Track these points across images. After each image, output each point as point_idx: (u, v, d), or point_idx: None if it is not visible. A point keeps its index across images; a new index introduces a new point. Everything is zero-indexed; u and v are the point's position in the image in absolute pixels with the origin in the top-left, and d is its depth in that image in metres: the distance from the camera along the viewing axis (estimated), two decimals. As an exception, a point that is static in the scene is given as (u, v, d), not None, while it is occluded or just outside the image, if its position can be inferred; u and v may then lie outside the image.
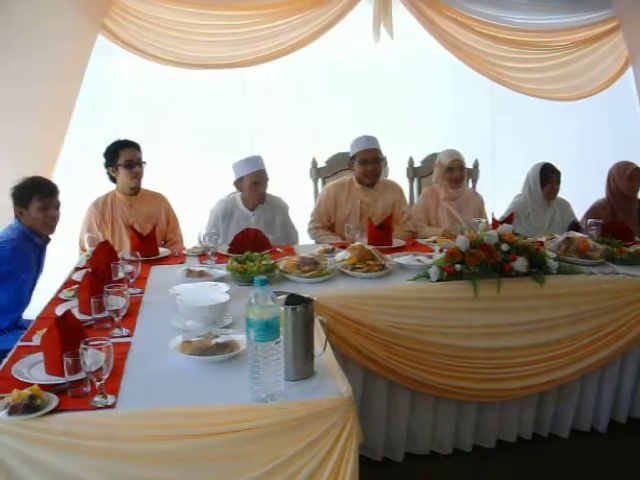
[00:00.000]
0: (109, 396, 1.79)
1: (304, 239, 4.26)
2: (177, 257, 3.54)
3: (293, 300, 1.95)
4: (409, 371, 2.91)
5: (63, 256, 3.71)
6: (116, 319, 2.31)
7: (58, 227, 3.34)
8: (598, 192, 4.60)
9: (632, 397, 3.37)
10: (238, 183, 3.98)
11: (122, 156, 3.79)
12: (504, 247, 2.95)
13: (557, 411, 3.30)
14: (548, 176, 4.30)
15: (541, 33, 5.27)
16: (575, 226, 4.25)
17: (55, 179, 4.26)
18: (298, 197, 4.51)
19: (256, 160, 3.96)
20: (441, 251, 3.10)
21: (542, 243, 3.44)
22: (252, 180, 3.91)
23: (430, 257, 3.26)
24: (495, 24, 5.13)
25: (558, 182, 4.32)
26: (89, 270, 2.72)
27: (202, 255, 3.48)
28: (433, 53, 5.08)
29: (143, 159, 3.87)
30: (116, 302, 2.28)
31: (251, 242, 3.45)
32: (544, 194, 4.33)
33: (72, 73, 4.35)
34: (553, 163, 4.34)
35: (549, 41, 5.32)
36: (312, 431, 1.75)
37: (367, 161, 4.12)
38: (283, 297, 1.96)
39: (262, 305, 1.71)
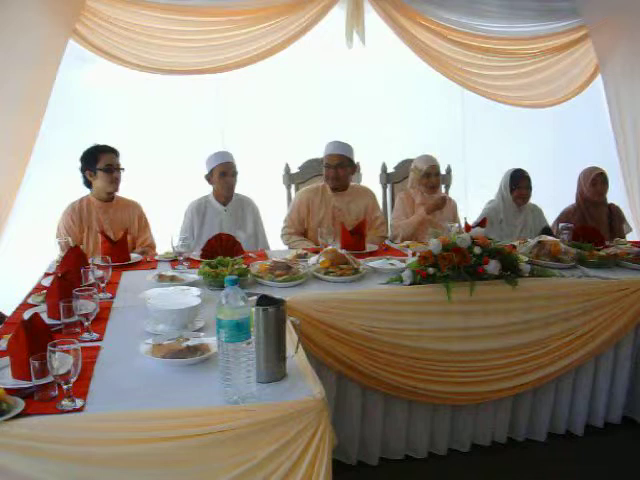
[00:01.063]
0: (77, 400, 1.75)
1: (277, 244, 4.24)
2: (149, 263, 3.51)
3: (265, 301, 1.94)
4: (383, 375, 2.90)
5: (35, 261, 3.65)
6: (86, 323, 2.28)
7: (31, 232, 3.27)
8: (570, 198, 4.64)
9: (607, 400, 3.38)
10: (209, 177, 4.10)
11: (102, 160, 3.78)
12: (477, 250, 2.95)
13: (532, 414, 3.31)
14: (518, 181, 4.34)
15: (511, 41, 5.32)
16: (547, 232, 4.27)
17: (25, 184, 4.24)
18: (271, 203, 4.51)
19: (225, 153, 4.15)
20: (414, 255, 3.10)
21: (514, 247, 3.45)
22: (220, 170, 4.05)
23: (403, 261, 3.26)
24: (466, 31, 5.16)
25: (528, 187, 4.35)
26: (58, 275, 2.68)
27: (174, 261, 3.45)
28: (405, 59, 5.09)
29: (121, 165, 3.85)
30: (85, 306, 2.26)
31: (223, 247, 3.44)
32: (513, 199, 4.36)
33: (43, 79, 4.29)
34: (525, 169, 4.37)
35: (519, 49, 5.37)
36: (284, 433, 1.73)
37: (329, 165, 4.16)
38: (254, 298, 1.95)
39: (233, 305, 1.69)
